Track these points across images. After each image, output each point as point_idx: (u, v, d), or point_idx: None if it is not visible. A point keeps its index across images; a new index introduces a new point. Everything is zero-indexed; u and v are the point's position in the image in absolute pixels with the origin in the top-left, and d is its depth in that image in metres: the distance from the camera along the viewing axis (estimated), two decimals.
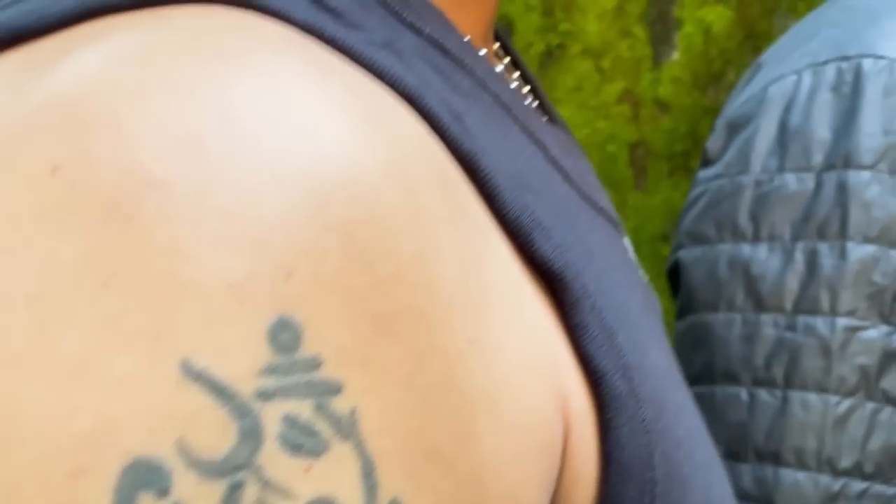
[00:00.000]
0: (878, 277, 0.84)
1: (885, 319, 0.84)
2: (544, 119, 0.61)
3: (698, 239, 0.90)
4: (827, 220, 0.85)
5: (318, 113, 0.34)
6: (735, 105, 0.93)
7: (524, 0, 1.58)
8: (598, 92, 1.55)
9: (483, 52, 0.49)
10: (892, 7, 0.91)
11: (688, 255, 0.91)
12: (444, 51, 0.45)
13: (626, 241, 0.56)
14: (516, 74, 0.61)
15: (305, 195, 0.32)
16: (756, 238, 0.87)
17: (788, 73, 0.90)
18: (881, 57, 0.87)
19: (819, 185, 0.86)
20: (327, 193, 0.33)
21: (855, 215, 0.84)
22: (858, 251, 0.84)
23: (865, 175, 0.85)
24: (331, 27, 0.38)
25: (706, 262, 0.89)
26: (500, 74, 0.48)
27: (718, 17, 1.47)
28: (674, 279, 0.94)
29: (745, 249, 0.87)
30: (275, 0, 0.38)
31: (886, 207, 0.84)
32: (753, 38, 1.45)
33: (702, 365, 0.88)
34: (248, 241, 0.31)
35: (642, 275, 0.56)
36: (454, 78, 0.44)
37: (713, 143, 0.92)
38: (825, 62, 0.89)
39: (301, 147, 0.33)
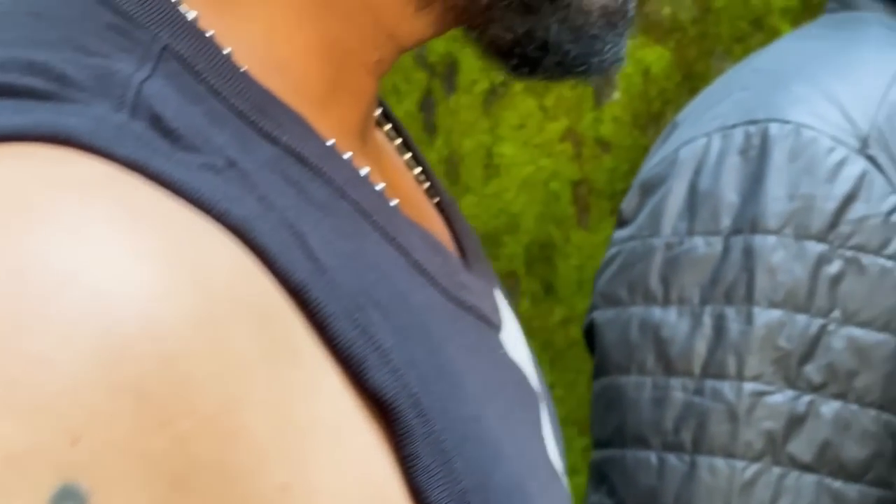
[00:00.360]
0: (783, 342, 0.85)
1: (791, 384, 0.84)
2: (435, 200, 0.61)
3: (612, 301, 0.90)
4: (734, 285, 0.86)
5: (119, 266, 0.34)
6: (649, 166, 0.94)
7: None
8: (542, 130, 1.56)
9: (347, 155, 0.49)
10: (802, 71, 0.92)
11: (601, 316, 0.91)
12: (302, 160, 0.45)
13: (506, 334, 0.56)
14: (408, 156, 0.61)
15: (95, 356, 0.32)
16: (666, 301, 0.88)
17: (699, 135, 0.91)
18: (787, 121, 0.88)
19: (727, 249, 0.86)
20: (120, 352, 0.33)
21: (761, 280, 0.85)
22: (764, 316, 0.85)
23: (771, 240, 0.85)
24: (157, 161, 0.38)
25: (619, 324, 0.90)
26: (364, 178, 0.48)
27: (657, 58, 1.48)
28: (590, 339, 0.95)
29: (656, 312, 0.88)
30: (99, 134, 0.37)
31: (791, 272, 0.85)
32: (691, 79, 1.46)
33: (614, 428, 0.88)
34: (31, 409, 0.31)
35: (524, 366, 0.56)
36: (309, 189, 0.44)
37: (627, 204, 0.93)
38: (734, 126, 0.89)
39: (94, 305, 0.33)
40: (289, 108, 0.46)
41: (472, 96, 1.59)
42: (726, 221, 0.87)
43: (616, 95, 1.51)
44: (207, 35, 0.44)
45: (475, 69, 1.58)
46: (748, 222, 0.86)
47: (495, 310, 0.55)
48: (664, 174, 0.91)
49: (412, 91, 1.62)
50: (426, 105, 1.62)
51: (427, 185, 0.61)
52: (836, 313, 0.85)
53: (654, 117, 1.52)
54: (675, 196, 0.89)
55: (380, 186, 0.49)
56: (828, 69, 0.92)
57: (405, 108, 1.63)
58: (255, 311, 0.37)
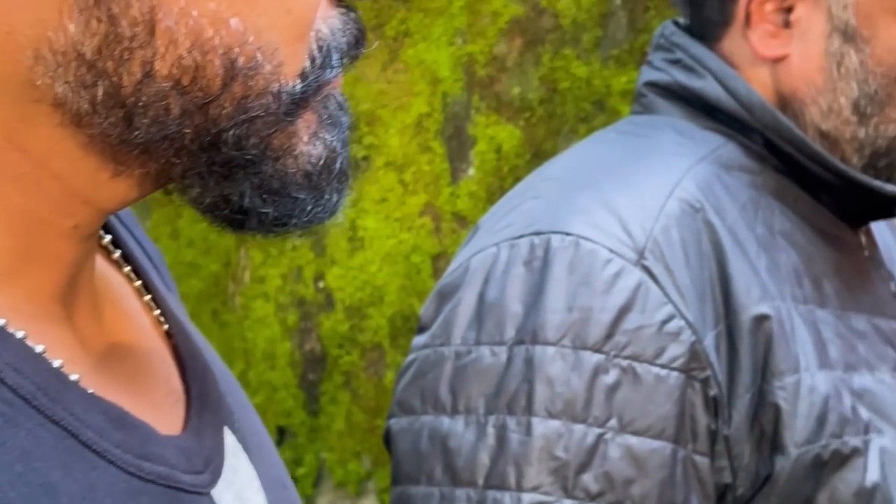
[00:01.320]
0: (560, 452, 0.87)
1: (569, 494, 0.86)
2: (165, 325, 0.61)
3: (405, 409, 0.92)
4: (515, 395, 0.88)
5: None
6: (447, 273, 0.96)
7: None
8: (402, 204, 1.58)
9: (20, 334, 0.49)
10: (588, 181, 0.94)
11: (396, 424, 0.93)
12: None
13: (226, 483, 0.57)
14: (137, 283, 0.61)
15: None
16: (454, 411, 0.89)
17: (490, 244, 0.93)
18: (568, 233, 0.90)
19: (510, 360, 0.88)
20: None
21: (540, 391, 0.87)
22: (542, 426, 0.87)
23: (550, 350, 0.87)
24: None
25: (411, 433, 0.91)
26: (38, 357, 0.49)
27: (508, 136, 1.50)
28: (389, 446, 0.96)
29: (445, 422, 0.89)
30: None
31: (569, 383, 0.87)
32: (540, 156, 1.49)
33: None
34: None
35: None
36: None
37: (426, 310, 0.95)
38: (521, 236, 0.91)
39: None
40: None
41: None
42: (511, 332, 0.89)
43: (471, 172, 1.54)
44: None
45: None
46: (530, 333, 0.88)
47: (210, 461, 0.56)
48: (457, 282, 0.93)
49: None
50: None
51: (158, 311, 0.61)
52: (613, 422, 0.87)
53: (506, 193, 1.54)
54: (466, 305, 0.91)
55: (57, 363, 0.50)
56: (613, 179, 0.94)
57: None
58: None
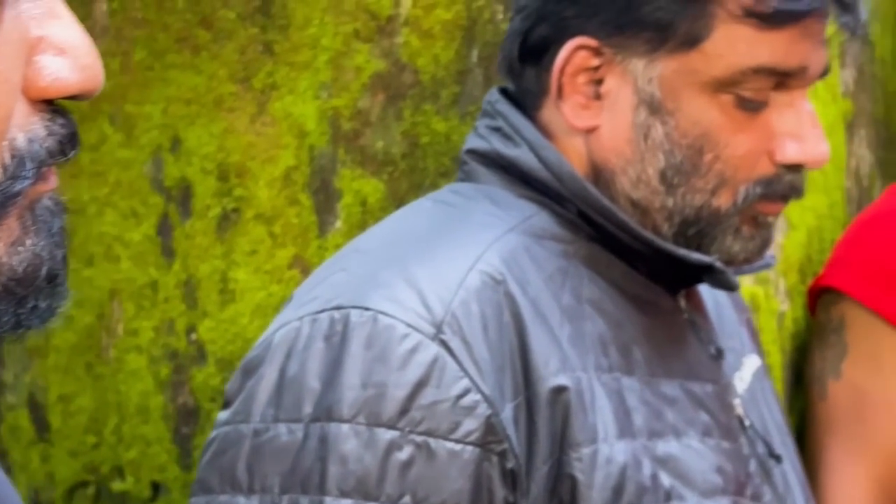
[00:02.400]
0: None
1: None
2: None
3: (204, 488, 0.92)
4: (309, 474, 0.88)
5: None
6: (253, 346, 0.96)
7: (201, 164, 1.60)
8: (272, 257, 1.58)
9: None
10: (394, 254, 0.96)
11: None
12: None
13: None
14: None
15: None
16: (251, 490, 0.89)
17: (294, 319, 0.93)
18: (367, 308, 0.91)
19: (306, 437, 0.89)
20: None
21: (333, 469, 0.87)
22: None
23: (344, 428, 0.88)
24: None
25: None
26: None
27: (373, 190, 1.51)
28: None
29: (241, 502, 0.89)
30: None
31: (362, 461, 0.87)
32: None
33: None
34: None
35: None
36: None
37: (230, 386, 0.95)
38: (322, 311, 0.92)
39: None
40: None
41: (206, 221, 1.61)
42: (308, 409, 0.89)
43: (338, 225, 1.55)
44: None
45: (208, 195, 1.60)
46: (325, 410, 0.89)
47: None
48: (260, 357, 0.93)
49: (149, 215, 1.63)
50: (163, 229, 1.63)
51: None
52: (406, 499, 0.87)
53: None
54: (267, 381, 0.92)
55: None
56: (417, 253, 0.95)
57: (143, 232, 1.64)
58: None
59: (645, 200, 0.99)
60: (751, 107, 1.01)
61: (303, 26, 1.52)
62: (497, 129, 1.03)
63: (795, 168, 1.04)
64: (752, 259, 1.04)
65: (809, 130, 1.03)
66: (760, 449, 1.04)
